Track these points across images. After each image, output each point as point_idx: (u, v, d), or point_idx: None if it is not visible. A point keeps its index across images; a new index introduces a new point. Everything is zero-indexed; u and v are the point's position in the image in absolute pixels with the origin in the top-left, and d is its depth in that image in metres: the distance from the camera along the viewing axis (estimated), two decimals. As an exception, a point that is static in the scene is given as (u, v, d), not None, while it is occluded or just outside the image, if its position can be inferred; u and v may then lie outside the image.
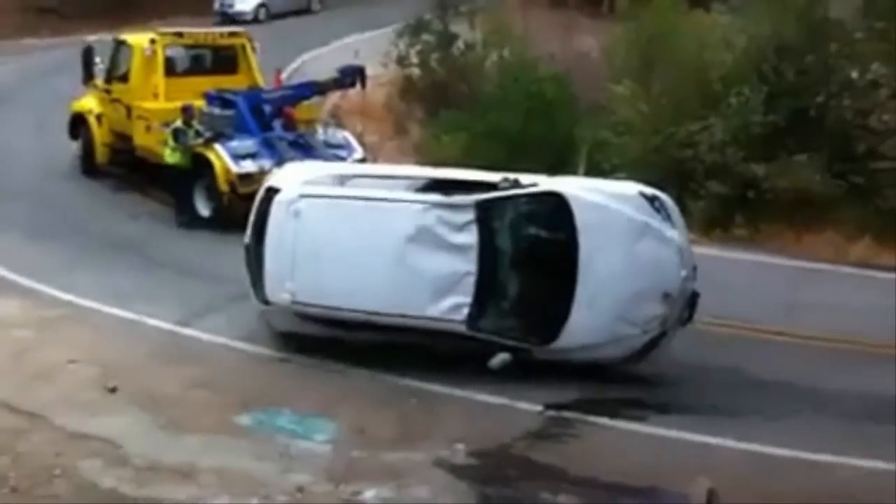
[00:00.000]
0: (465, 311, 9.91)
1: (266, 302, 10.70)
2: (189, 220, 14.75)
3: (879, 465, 8.94)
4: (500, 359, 10.00)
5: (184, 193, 14.88)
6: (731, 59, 18.36)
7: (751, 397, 10.15)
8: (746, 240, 15.38)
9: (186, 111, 14.85)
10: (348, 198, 10.46)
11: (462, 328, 9.92)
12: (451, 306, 9.92)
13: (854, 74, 17.45)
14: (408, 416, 9.64)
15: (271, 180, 11.18)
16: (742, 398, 10.12)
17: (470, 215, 9.92)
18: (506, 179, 10.16)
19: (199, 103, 15.27)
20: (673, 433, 9.45)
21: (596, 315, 9.77)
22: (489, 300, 9.97)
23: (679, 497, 8.21)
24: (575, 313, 9.79)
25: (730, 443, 9.28)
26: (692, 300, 10.27)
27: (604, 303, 9.76)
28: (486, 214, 9.96)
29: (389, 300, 9.93)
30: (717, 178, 16.30)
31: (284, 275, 10.32)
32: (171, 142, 14.74)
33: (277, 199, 10.61)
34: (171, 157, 14.82)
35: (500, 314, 10.02)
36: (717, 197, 16.03)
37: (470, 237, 9.89)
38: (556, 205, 9.93)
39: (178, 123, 14.79)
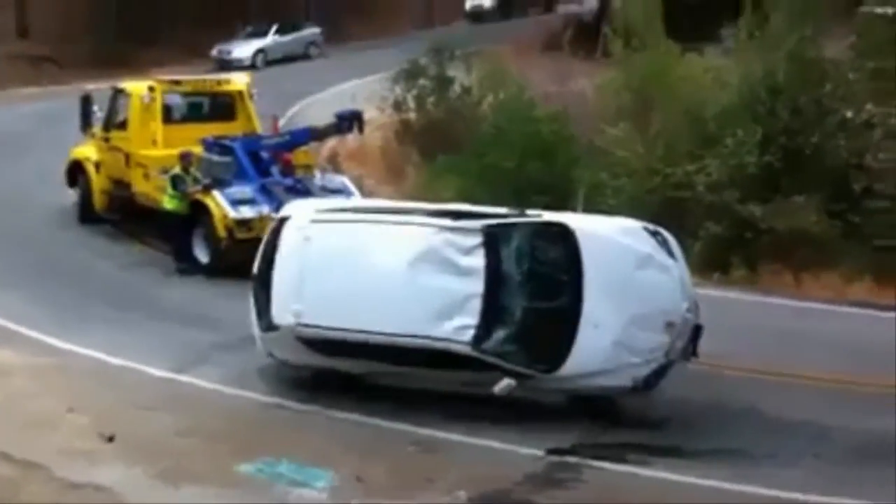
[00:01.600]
0: (471, 332, 9.91)
1: (270, 327, 10.62)
2: (187, 266, 14.73)
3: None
4: (504, 384, 9.92)
5: (181, 240, 14.87)
6: (725, 99, 18.51)
7: (756, 440, 10.04)
8: (745, 281, 15.36)
9: (185, 158, 14.91)
10: (358, 222, 10.76)
11: (467, 349, 9.90)
12: (456, 327, 9.93)
13: (849, 114, 17.58)
14: (407, 462, 9.54)
15: (283, 211, 11.49)
16: (748, 441, 10.01)
17: (477, 239, 10.09)
18: (512, 211, 10.53)
19: (198, 150, 15.32)
20: (678, 477, 9.34)
21: (600, 343, 9.83)
22: (495, 323, 10.00)
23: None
24: (579, 340, 9.85)
25: (735, 486, 9.17)
26: (695, 333, 10.31)
27: (608, 331, 9.83)
28: (493, 239, 10.13)
29: (395, 320, 9.96)
30: (714, 218, 16.33)
31: (291, 296, 10.36)
32: (169, 189, 14.78)
33: (288, 224, 10.84)
34: (169, 203, 14.85)
35: (506, 338, 10.02)
36: (715, 238, 16.05)
37: (477, 261, 10.02)
38: (562, 234, 10.16)
39: (177, 170, 14.84)
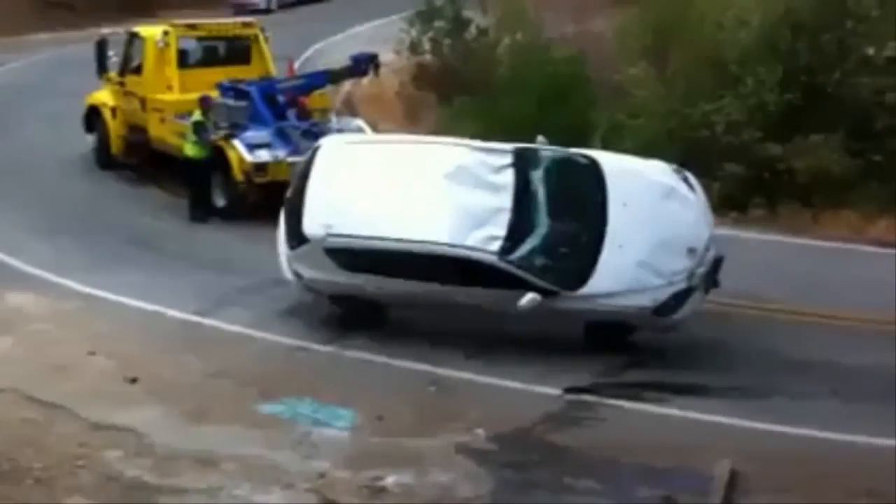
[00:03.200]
0: (499, 243, 10.22)
1: (300, 241, 10.69)
2: (202, 214, 14.75)
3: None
4: (529, 298, 10.07)
5: (199, 187, 14.89)
6: (745, 38, 18.23)
7: (773, 378, 10.11)
8: (764, 220, 15.27)
9: (205, 102, 14.77)
10: (393, 142, 11.77)
11: (493, 259, 10.15)
12: (485, 237, 10.23)
13: (870, 52, 17.29)
14: (427, 402, 9.66)
15: (320, 141, 11.96)
16: (764, 378, 10.08)
17: (507, 160, 10.63)
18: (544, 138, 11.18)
19: (215, 94, 15.28)
20: (695, 415, 9.43)
21: (624, 262, 10.18)
22: (522, 238, 10.35)
23: (702, 479, 8.20)
24: (604, 259, 10.20)
25: (754, 424, 9.25)
26: (716, 265, 10.56)
27: (631, 252, 10.20)
28: (522, 162, 10.68)
29: (426, 230, 10.23)
30: (733, 158, 16.18)
31: (323, 210, 10.59)
32: (191, 136, 14.70)
33: (322, 149, 11.29)
34: (191, 150, 14.76)
35: (532, 253, 10.33)
36: (734, 178, 15.91)
37: (506, 178, 10.52)
38: (589, 163, 10.81)
39: (198, 116, 14.70)
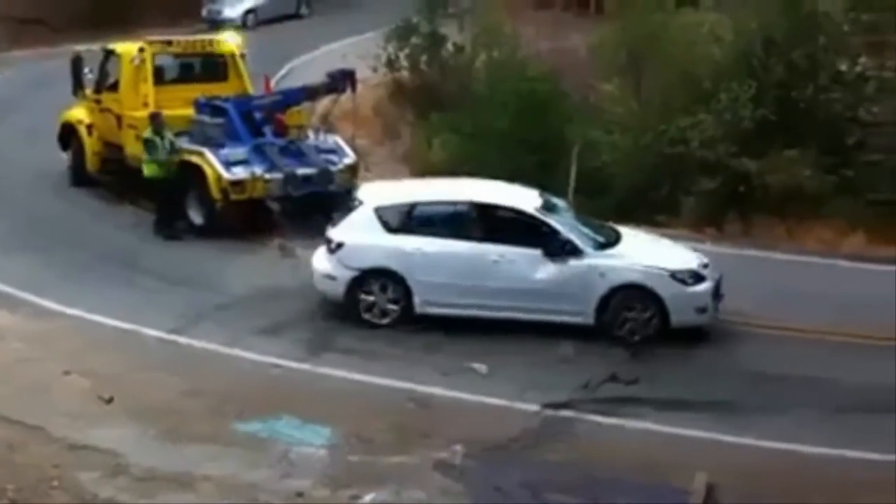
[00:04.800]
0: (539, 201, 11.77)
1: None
2: (170, 233, 14.56)
3: (877, 457, 8.96)
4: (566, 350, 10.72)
5: (166, 205, 14.71)
6: (719, 54, 18.42)
7: (750, 392, 10.18)
8: (738, 235, 15.40)
9: (154, 119, 14.58)
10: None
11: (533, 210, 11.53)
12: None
13: (843, 67, 17.52)
14: (405, 419, 9.64)
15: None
16: (741, 393, 10.15)
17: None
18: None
19: (172, 110, 15.21)
20: (672, 429, 9.49)
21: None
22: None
23: (679, 493, 8.22)
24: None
25: (731, 438, 9.32)
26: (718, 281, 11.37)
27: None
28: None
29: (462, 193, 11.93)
30: (708, 173, 16.33)
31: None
32: (145, 154, 14.54)
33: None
34: (148, 169, 14.57)
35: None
36: (709, 192, 16.07)
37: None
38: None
39: (148, 134, 14.49)
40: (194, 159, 14.73)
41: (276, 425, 9.40)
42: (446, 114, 20.12)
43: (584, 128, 18.74)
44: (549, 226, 11.05)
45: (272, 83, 18.22)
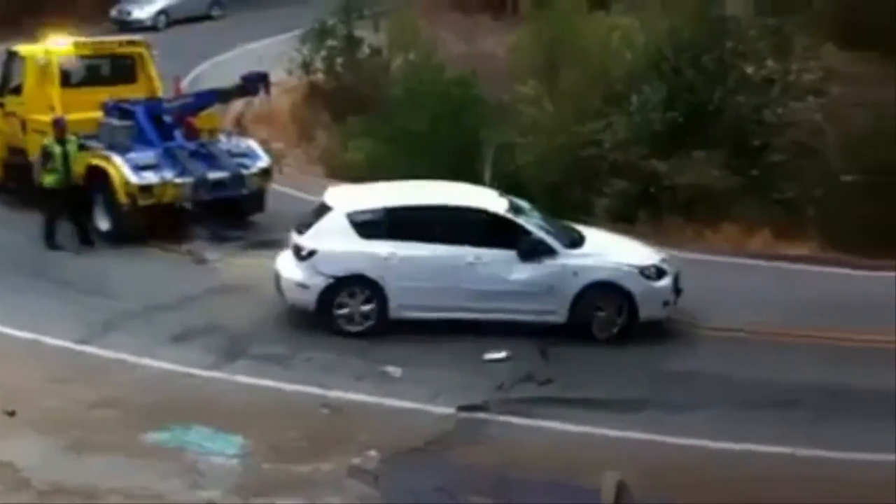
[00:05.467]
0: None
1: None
2: (54, 244, 14.01)
3: (783, 450, 9.19)
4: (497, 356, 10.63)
5: (55, 217, 14.02)
6: (631, 58, 18.75)
7: (660, 389, 10.34)
8: (649, 235, 15.65)
9: (57, 125, 14.06)
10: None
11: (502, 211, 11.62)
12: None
13: (749, 71, 17.98)
14: (319, 426, 9.55)
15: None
16: (651, 390, 10.30)
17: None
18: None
19: (96, 114, 14.86)
20: (585, 428, 9.57)
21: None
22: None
23: (590, 492, 8.30)
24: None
25: (641, 435, 9.44)
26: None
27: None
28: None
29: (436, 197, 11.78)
30: (620, 175, 16.61)
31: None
32: (40, 164, 13.89)
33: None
34: (46, 179, 13.87)
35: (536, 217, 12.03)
36: (621, 193, 16.34)
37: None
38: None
39: (47, 141, 13.89)
40: (101, 163, 14.38)
41: (185, 435, 9.22)
42: (363, 117, 20.08)
43: (499, 130, 18.89)
44: (521, 227, 11.20)
45: (183, 85, 17.92)
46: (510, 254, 11.05)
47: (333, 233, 11.14)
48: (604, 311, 11.15)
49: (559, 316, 11.12)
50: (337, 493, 8.46)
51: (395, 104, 20.05)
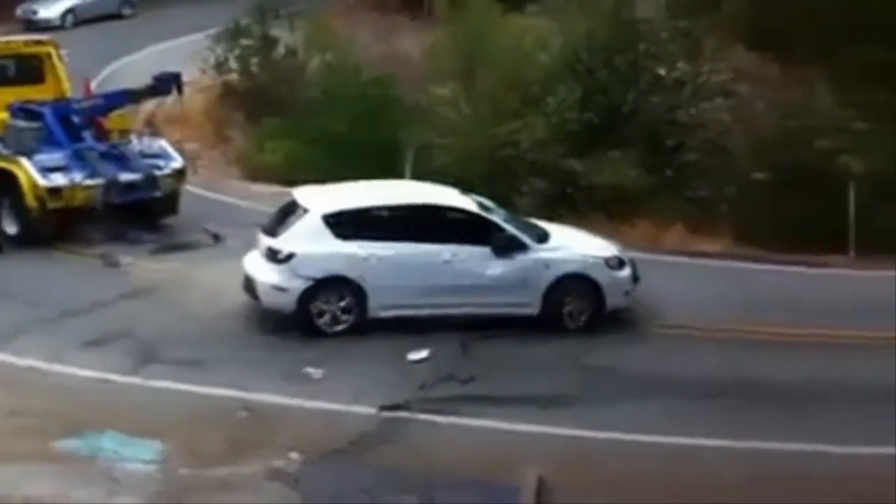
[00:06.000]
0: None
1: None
2: None
3: (702, 441, 9.37)
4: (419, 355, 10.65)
5: None
6: (547, 60, 18.95)
7: (578, 385, 10.44)
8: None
9: None
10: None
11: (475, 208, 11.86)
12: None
13: (662, 72, 18.35)
14: (238, 429, 9.40)
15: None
16: (569, 386, 10.40)
17: None
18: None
19: (4, 116, 14.40)
20: (507, 425, 9.62)
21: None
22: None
23: (512, 488, 8.35)
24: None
25: (560, 430, 9.52)
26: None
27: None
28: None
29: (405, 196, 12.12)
30: (538, 175, 16.76)
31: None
32: None
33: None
34: None
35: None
36: (541, 192, 16.49)
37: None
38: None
39: None
40: (8, 166, 13.93)
41: (99, 441, 8.98)
42: (279, 117, 19.86)
43: (418, 132, 18.89)
44: (495, 224, 11.49)
45: (93, 86, 17.50)
46: (484, 250, 11.30)
47: (310, 234, 11.14)
48: (573, 302, 11.47)
49: (532, 308, 11.39)
50: (257, 497, 8.34)
51: (313, 105, 19.89)
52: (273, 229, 11.50)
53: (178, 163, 14.94)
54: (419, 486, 8.52)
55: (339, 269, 11.04)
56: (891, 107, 16.96)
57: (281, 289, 11.09)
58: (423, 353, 10.80)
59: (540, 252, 11.46)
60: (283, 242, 11.18)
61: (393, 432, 9.51)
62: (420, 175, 17.44)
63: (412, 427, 9.62)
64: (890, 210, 16.51)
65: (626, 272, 11.79)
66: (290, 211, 11.62)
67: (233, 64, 21.48)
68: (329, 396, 9.97)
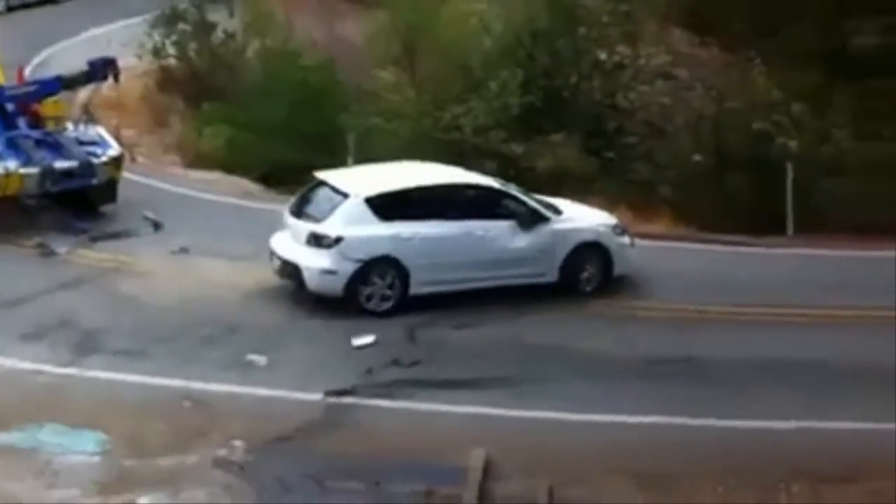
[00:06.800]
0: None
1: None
2: None
3: (645, 419, 9.50)
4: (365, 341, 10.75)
5: None
6: (489, 44, 18.95)
7: (525, 366, 10.50)
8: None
9: None
10: None
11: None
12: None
13: (602, 56, 18.46)
14: (181, 418, 9.29)
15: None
16: (517, 368, 10.45)
17: None
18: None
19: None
20: (453, 408, 9.65)
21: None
22: None
23: (459, 470, 8.38)
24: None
25: (504, 412, 9.58)
26: None
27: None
28: None
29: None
30: (483, 158, 16.76)
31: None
32: None
33: None
34: None
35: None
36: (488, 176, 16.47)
37: None
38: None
39: None
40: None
41: (37, 434, 8.81)
42: (218, 103, 19.57)
43: (360, 116, 18.77)
44: (520, 199, 12.19)
45: (26, 72, 17.09)
46: (510, 224, 11.96)
47: (354, 218, 11.53)
48: (588, 269, 12.19)
49: (552, 276, 12.08)
50: (202, 486, 8.27)
51: (253, 90, 19.63)
52: (299, 212, 11.89)
53: (115, 150, 14.66)
54: (366, 471, 8.51)
55: (385, 249, 11.47)
56: (824, 88, 17.30)
57: (331, 272, 11.39)
58: (368, 339, 10.78)
59: (558, 224, 12.19)
60: (330, 227, 11.48)
61: (339, 418, 9.48)
62: (364, 159, 17.37)
63: (358, 412, 9.59)
64: (826, 190, 16.87)
65: (627, 238, 12.60)
66: (314, 194, 11.99)
67: (170, 49, 21.08)
68: (274, 383, 9.90)
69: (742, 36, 18.83)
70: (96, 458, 8.61)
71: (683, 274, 13.22)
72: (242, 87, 19.93)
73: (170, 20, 21.03)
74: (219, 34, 21.18)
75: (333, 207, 11.61)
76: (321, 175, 12.24)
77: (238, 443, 8.83)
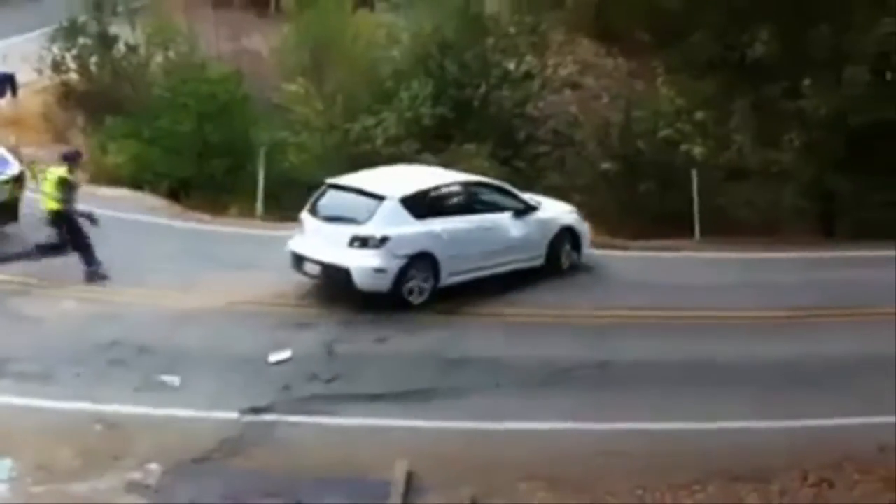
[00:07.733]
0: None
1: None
2: None
3: (557, 425, 9.56)
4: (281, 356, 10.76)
5: None
6: (398, 55, 19.00)
7: (443, 378, 10.48)
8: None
9: None
10: None
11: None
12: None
13: (510, 66, 18.69)
14: (93, 442, 8.99)
15: None
16: (435, 380, 10.42)
17: None
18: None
19: None
20: (373, 422, 9.55)
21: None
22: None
23: (381, 484, 8.31)
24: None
25: (427, 424, 9.53)
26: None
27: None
28: None
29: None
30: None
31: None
32: None
33: None
34: None
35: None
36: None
37: None
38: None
39: None
40: None
41: (-59, 464, 8.44)
42: (122, 117, 19.13)
43: (270, 130, 18.58)
44: (514, 193, 13.44)
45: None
46: (507, 216, 13.08)
47: (392, 217, 12.14)
48: (566, 250, 13.53)
49: (541, 259, 13.25)
50: (116, 511, 8.00)
51: (157, 104, 19.25)
52: (328, 217, 12.40)
53: (15, 168, 14.17)
54: (287, 489, 8.36)
55: (424, 245, 12.18)
56: (725, 95, 17.82)
57: (381, 270, 11.94)
58: (285, 354, 10.63)
59: (543, 212, 13.43)
60: (374, 227, 12.01)
61: (257, 436, 9.29)
62: (274, 172, 17.19)
63: (277, 429, 9.43)
64: (729, 194, 17.37)
65: (586, 225, 14.06)
66: (332, 200, 12.52)
67: (71, 63, 20.54)
68: (187, 403, 9.66)
69: (646, 46, 19.30)
70: (3, 486, 8.27)
71: (597, 279, 13.43)
72: (146, 100, 19.54)
73: (69, 34, 20.52)
74: (120, 47, 20.75)
75: (371, 209, 12.14)
76: (331, 181, 12.88)
77: (153, 465, 8.59)
